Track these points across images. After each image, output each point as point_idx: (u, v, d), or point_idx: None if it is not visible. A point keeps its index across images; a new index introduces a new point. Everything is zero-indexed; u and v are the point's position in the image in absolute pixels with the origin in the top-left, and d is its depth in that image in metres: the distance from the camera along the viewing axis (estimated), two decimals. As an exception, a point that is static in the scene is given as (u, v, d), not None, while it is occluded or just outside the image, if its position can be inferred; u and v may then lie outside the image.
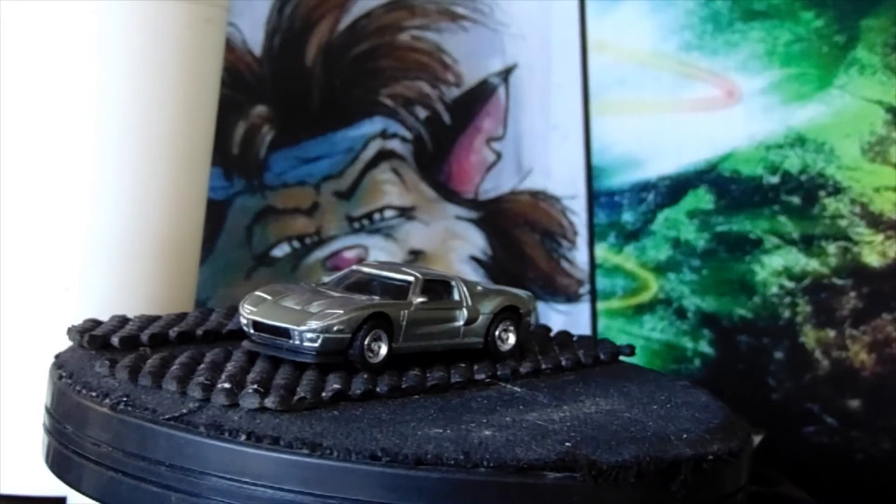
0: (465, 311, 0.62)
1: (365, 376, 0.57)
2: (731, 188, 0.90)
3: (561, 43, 0.92)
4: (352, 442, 0.51)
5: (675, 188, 0.91)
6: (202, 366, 0.56)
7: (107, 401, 0.54)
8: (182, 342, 0.62)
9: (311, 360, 0.57)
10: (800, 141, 0.88)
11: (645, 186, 0.91)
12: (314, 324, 0.57)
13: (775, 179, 0.89)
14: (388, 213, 0.94)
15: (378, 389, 0.56)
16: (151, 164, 0.72)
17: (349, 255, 0.94)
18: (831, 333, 0.89)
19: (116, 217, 0.71)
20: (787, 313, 0.89)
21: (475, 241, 0.94)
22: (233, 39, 0.92)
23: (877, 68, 0.87)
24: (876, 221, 0.88)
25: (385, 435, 0.52)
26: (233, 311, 0.67)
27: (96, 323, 0.63)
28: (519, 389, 0.61)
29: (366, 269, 0.62)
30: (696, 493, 0.55)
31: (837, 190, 0.88)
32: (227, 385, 0.53)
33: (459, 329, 0.62)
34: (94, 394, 0.55)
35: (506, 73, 0.93)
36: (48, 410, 0.59)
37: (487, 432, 0.53)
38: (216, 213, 0.93)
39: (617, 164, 0.92)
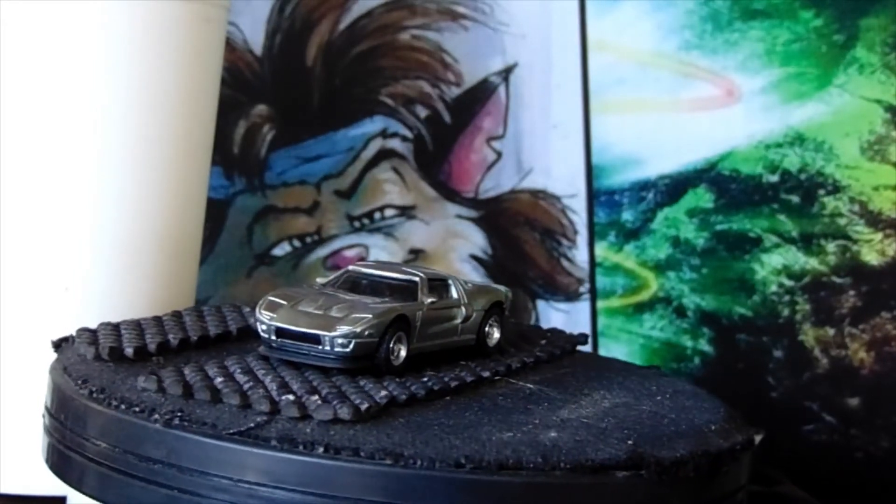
0: (463, 309, 0.62)
1: (397, 380, 0.57)
2: (730, 187, 0.90)
3: (561, 42, 0.92)
4: (432, 450, 0.51)
5: (674, 187, 0.91)
6: (241, 376, 0.55)
7: (155, 416, 0.53)
8: (181, 350, 0.61)
9: (340, 366, 0.57)
10: (799, 140, 0.89)
11: (645, 185, 0.91)
12: (345, 329, 0.56)
13: (775, 178, 0.89)
14: (389, 213, 0.94)
15: (416, 393, 0.56)
16: (151, 163, 0.72)
17: (349, 253, 0.94)
18: (830, 332, 0.89)
19: (116, 216, 0.71)
20: (786, 312, 0.89)
21: (475, 240, 0.94)
22: (233, 39, 0.92)
23: (876, 67, 0.87)
24: (875, 220, 0.88)
25: (464, 441, 0.52)
26: (202, 314, 0.67)
27: (94, 332, 0.62)
28: (531, 386, 0.62)
29: (367, 270, 0.62)
30: (728, 483, 0.57)
31: (837, 189, 0.88)
32: (291, 397, 0.53)
33: (458, 327, 0.62)
34: (136, 409, 0.53)
35: (506, 73, 0.93)
36: (54, 416, 0.58)
37: (553, 434, 0.54)
38: (217, 212, 0.93)
39: (617, 163, 0.92)
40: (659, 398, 0.63)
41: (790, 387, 0.89)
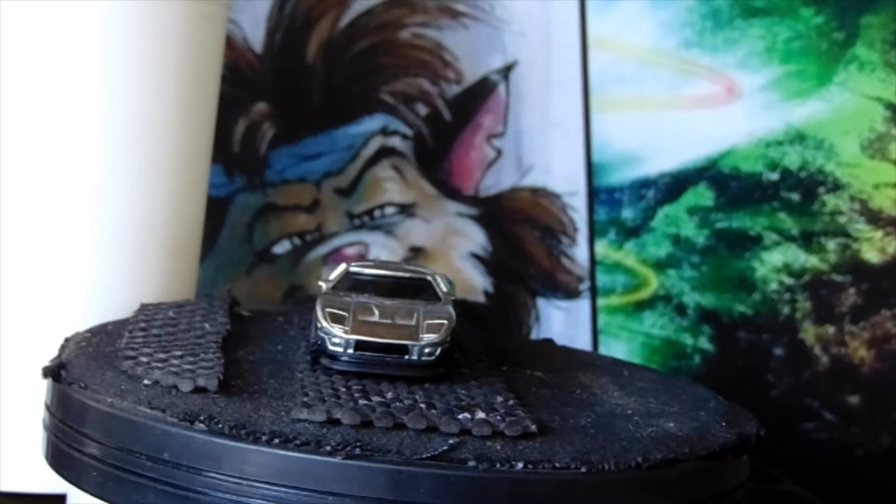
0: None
1: (473, 384, 0.57)
2: (730, 185, 0.90)
3: (561, 40, 0.92)
4: (612, 453, 0.52)
5: (675, 185, 0.91)
6: (377, 397, 0.54)
7: (327, 448, 0.50)
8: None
9: (420, 374, 0.56)
10: (799, 138, 0.89)
11: (645, 183, 0.91)
12: (432, 337, 0.56)
13: (775, 176, 0.89)
14: (389, 210, 0.94)
15: (508, 397, 0.56)
16: (151, 161, 0.72)
17: (350, 251, 0.94)
18: (830, 330, 0.89)
19: (116, 214, 0.71)
20: (786, 310, 0.89)
21: (476, 238, 0.94)
22: (233, 36, 0.93)
23: (876, 65, 0.87)
24: (875, 218, 0.88)
25: (629, 442, 0.53)
26: (184, 313, 0.66)
27: (139, 361, 0.58)
28: (540, 373, 0.63)
29: (381, 271, 0.61)
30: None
31: (837, 186, 0.88)
32: (468, 415, 0.52)
33: None
34: (297, 443, 0.50)
35: (506, 70, 0.93)
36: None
37: (671, 424, 0.56)
38: (217, 210, 0.93)
39: (617, 160, 0.92)
40: (626, 374, 0.65)
41: (790, 385, 0.89)
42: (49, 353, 0.62)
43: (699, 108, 0.90)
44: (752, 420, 0.60)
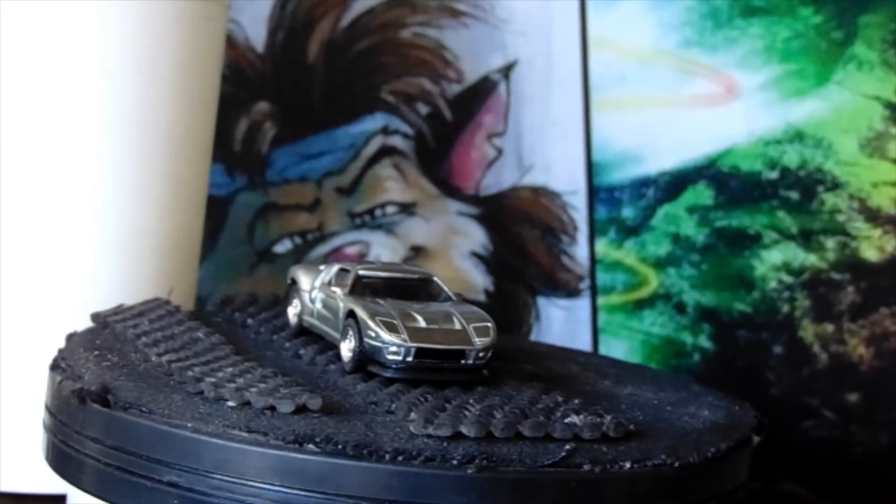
0: None
1: (512, 384, 0.58)
2: (730, 184, 0.90)
3: (562, 39, 0.92)
4: (691, 446, 0.54)
5: (674, 184, 0.91)
6: (474, 406, 0.54)
7: (453, 462, 0.50)
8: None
9: (469, 378, 0.56)
10: (798, 136, 0.89)
11: (645, 182, 0.91)
12: (484, 341, 0.56)
13: (774, 175, 0.89)
14: (390, 210, 0.94)
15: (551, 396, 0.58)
16: (152, 160, 0.72)
17: (350, 251, 0.94)
18: (830, 328, 0.89)
19: (117, 213, 0.71)
20: (785, 308, 0.89)
21: (476, 237, 0.94)
22: (235, 36, 0.93)
23: (875, 64, 0.87)
24: (874, 216, 0.88)
25: (697, 434, 0.56)
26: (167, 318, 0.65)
27: (213, 382, 0.54)
28: (529, 367, 0.63)
29: (385, 273, 0.61)
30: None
31: (836, 185, 0.88)
32: (576, 419, 0.53)
33: None
34: (421, 458, 0.50)
35: (507, 70, 0.93)
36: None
37: (706, 412, 0.59)
38: (218, 209, 0.93)
39: (617, 159, 0.92)
40: (584, 360, 0.67)
41: (789, 383, 0.89)
42: (49, 354, 0.62)
43: (699, 107, 0.90)
44: (743, 402, 0.63)
